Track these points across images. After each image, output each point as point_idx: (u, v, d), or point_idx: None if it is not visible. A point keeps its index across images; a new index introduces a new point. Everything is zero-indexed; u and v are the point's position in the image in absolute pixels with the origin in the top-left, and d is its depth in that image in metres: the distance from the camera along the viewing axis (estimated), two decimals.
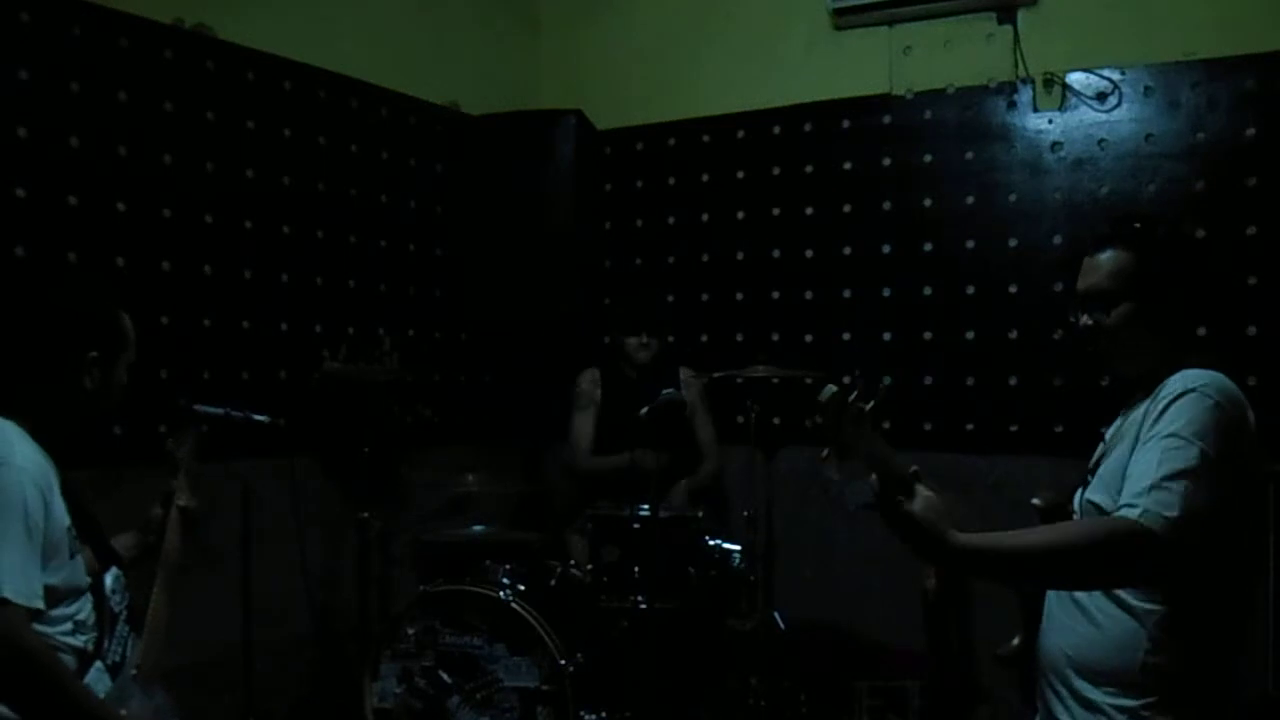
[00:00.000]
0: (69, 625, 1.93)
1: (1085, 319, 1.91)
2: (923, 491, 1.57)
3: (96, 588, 2.02)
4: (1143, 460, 1.70)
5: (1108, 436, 1.97)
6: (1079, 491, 1.95)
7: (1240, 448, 1.71)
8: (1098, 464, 1.91)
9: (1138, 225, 1.92)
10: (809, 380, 4.08)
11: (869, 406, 1.55)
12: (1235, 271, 3.59)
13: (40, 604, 1.82)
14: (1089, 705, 1.79)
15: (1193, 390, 1.72)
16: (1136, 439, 1.76)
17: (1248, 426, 1.74)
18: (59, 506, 1.91)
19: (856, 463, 1.57)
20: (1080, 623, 1.83)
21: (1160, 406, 1.74)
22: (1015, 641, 2.02)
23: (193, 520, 2.28)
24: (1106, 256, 1.89)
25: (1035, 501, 1.95)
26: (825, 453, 1.56)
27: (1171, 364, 1.82)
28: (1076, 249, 2.07)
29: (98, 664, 1.98)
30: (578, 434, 4.18)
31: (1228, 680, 1.80)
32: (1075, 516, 1.93)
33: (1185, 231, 2.08)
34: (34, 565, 1.82)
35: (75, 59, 3.08)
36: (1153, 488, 1.63)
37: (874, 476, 1.57)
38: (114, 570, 2.09)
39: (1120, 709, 1.75)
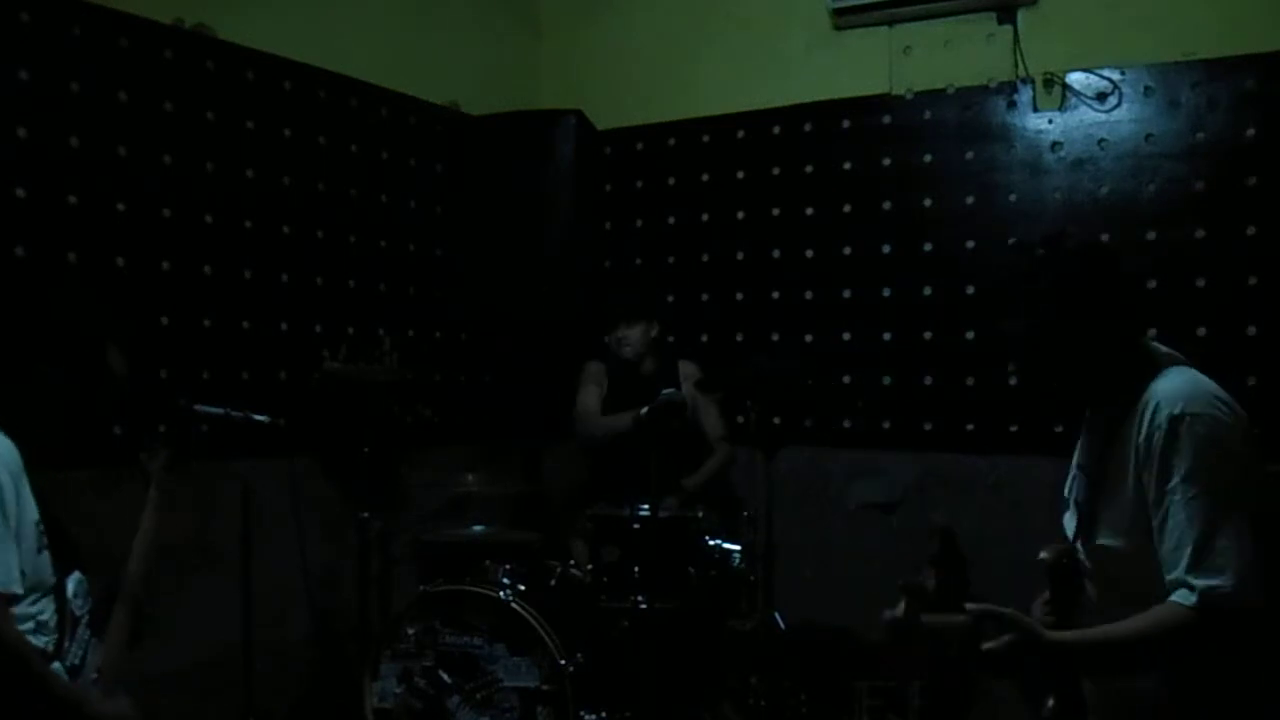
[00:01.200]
0: (31, 625, 1.92)
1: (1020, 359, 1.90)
2: (999, 611, 1.59)
3: (59, 590, 2.01)
4: (1173, 525, 1.67)
5: (1082, 461, 1.94)
6: (1071, 522, 1.92)
7: (1246, 456, 1.70)
8: (1091, 499, 1.86)
9: (1041, 251, 1.88)
10: (809, 380, 4.09)
11: (908, 607, 1.57)
12: (1235, 271, 3.60)
13: (19, 589, 1.81)
14: None
15: (1181, 417, 1.69)
16: (1138, 478, 1.73)
17: (1244, 427, 1.72)
18: (29, 497, 1.91)
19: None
20: None
21: (1158, 448, 1.70)
22: (1051, 703, 1.90)
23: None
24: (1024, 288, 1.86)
25: (1043, 555, 1.90)
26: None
27: (1133, 373, 1.78)
28: None
29: (57, 665, 1.98)
30: (582, 405, 4.11)
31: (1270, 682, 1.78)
32: (1081, 558, 1.88)
33: (1089, 237, 2.04)
34: (10, 550, 1.81)
35: (75, 59, 3.07)
36: (1196, 553, 1.63)
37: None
38: (77, 574, 2.08)
39: None
